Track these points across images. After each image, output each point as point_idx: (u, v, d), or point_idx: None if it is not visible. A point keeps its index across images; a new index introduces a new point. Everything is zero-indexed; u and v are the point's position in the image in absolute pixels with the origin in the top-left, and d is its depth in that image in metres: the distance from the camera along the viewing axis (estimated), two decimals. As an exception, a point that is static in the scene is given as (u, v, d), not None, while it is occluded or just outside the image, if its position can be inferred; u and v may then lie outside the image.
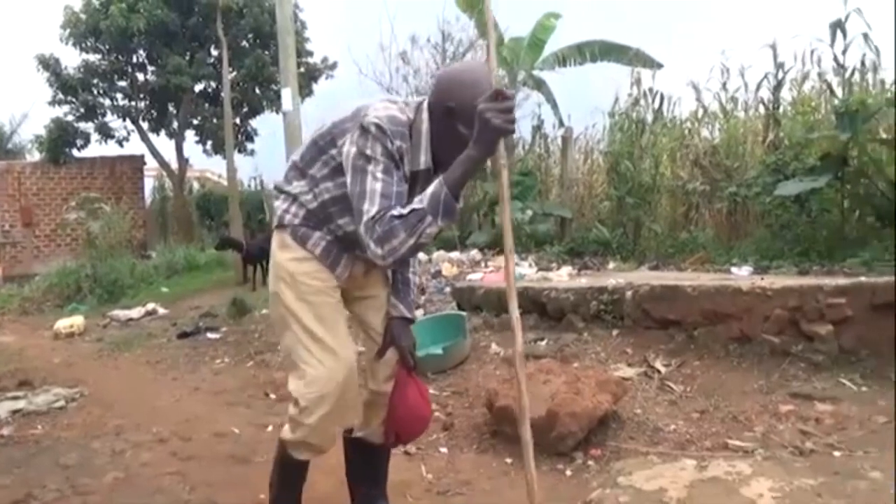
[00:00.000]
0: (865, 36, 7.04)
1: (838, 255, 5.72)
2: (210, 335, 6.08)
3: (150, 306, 7.94)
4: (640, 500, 2.31)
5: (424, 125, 1.89)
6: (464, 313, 4.59)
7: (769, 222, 6.89)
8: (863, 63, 7.09)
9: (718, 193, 7.47)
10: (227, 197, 10.49)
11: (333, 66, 13.79)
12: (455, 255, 7.04)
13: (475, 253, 7.19)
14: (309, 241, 2.02)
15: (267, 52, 12.49)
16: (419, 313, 5.28)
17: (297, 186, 2.04)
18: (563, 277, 5.43)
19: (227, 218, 10.64)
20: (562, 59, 10.09)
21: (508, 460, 2.93)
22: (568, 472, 2.75)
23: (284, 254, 2.04)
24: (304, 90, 12.55)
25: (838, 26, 6.59)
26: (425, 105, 1.91)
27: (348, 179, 1.84)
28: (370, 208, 1.74)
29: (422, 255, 7.32)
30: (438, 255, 7.05)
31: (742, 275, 5.12)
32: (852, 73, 7.04)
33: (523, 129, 10.58)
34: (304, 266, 2.01)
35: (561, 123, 10.08)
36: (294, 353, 2.01)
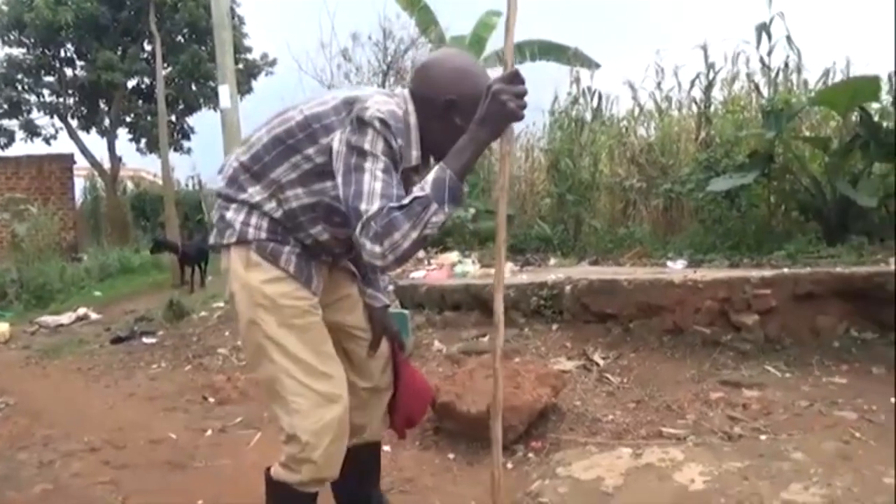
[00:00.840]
0: (788, 38, 7.38)
1: (766, 247, 5.98)
2: (146, 339, 5.88)
3: (82, 311, 7.62)
4: (577, 489, 2.37)
5: (412, 118, 1.72)
6: (406, 311, 4.59)
7: (702, 217, 7.14)
8: (786, 64, 7.42)
9: (654, 190, 7.70)
10: (163, 197, 10.18)
11: (273, 63, 13.58)
12: (398, 253, 7.02)
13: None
14: (281, 258, 1.77)
15: (203, 48, 12.18)
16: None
17: (255, 193, 1.77)
18: (505, 274, 5.49)
19: (164, 218, 10.32)
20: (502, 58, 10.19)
21: (451, 456, 2.95)
22: (509, 465, 2.79)
23: (255, 274, 1.76)
24: (243, 87, 12.30)
25: (763, 29, 6.89)
26: (408, 95, 1.75)
27: (339, 180, 1.61)
28: (369, 208, 1.52)
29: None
30: (382, 253, 7.01)
31: (677, 268, 5.27)
32: (777, 74, 7.36)
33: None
34: (282, 287, 1.76)
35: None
36: (279, 385, 1.76)
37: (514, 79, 1.53)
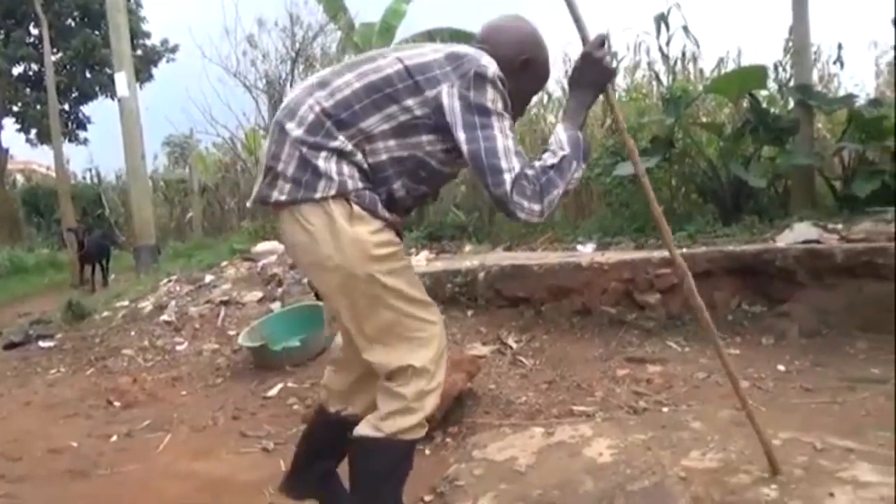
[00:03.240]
0: (685, 28, 7.73)
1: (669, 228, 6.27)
2: (42, 343, 5.54)
3: (-32, 316, 7.11)
4: (492, 470, 2.42)
5: None
6: (321, 303, 4.53)
7: (609, 201, 7.41)
8: (683, 53, 7.77)
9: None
10: (57, 191, 9.58)
11: (175, 50, 13.02)
12: (313, 244, 6.90)
13: (334, 241, 7.09)
14: (378, 207, 1.69)
15: (97, 33, 11.53)
16: (276, 306, 5.16)
17: (344, 142, 1.67)
18: (420, 262, 5.51)
19: (59, 215, 9.72)
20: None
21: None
22: (427, 452, 2.82)
23: (361, 227, 1.66)
24: (143, 74, 11.76)
25: (662, 19, 7.18)
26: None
27: (462, 135, 1.61)
28: (511, 165, 1.58)
29: (279, 246, 7.13)
30: (296, 245, 6.88)
31: (587, 251, 5.46)
32: (675, 63, 7.70)
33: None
34: (384, 236, 1.70)
35: (416, 109, 10.17)
36: (400, 327, 1.74)
37: (604, 43, 1.73)
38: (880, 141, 6.68)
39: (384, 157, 1.69)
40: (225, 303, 5.46)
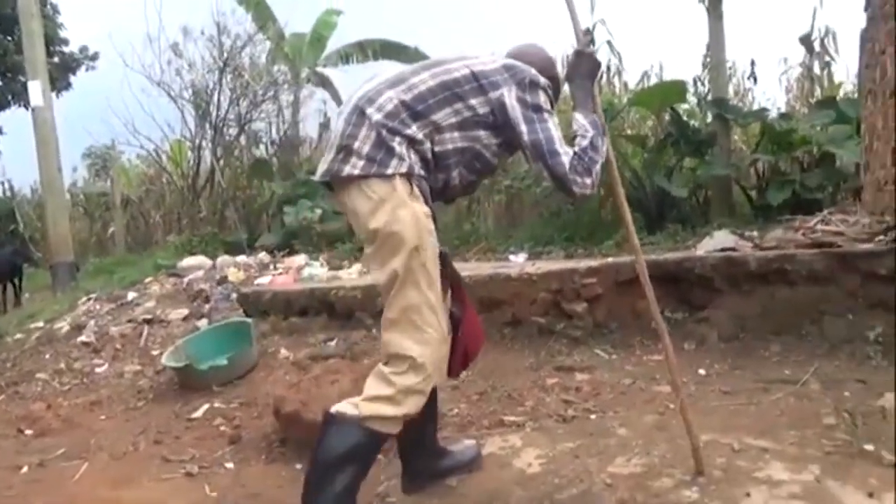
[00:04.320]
0: (610, 43, 7.99)
1: (597, 237, 6.44)
2: (-54, 370, 5.18)
3: None
4: (423, 486, 2.40)
5: None
6: (249, 320, 4.43)
7: (540, 211, 7.55)
8: (608, 67, 8.02)
9: (497, 186, 8.01)
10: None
11: (95, 57, 12.49)
12: (242, 258, 6.74)
13: (263, 255, 6.95)
14: (428, 197, 1.93)
15: (10, 39, 10.94)
16: (203, 323, 5.00)
17: (416, 131, 1.90)
18: (353, 275, 5.46)
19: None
20: (345, 57, 10.13)
21: (298, 466, 2.87)
22: (358, 469, 2.77)
23: (419, 206, 1.89)
24: (60, 83, 11.26)
25: (587, 34, 7.39)
26: None
27: (524, 128, 1.93)
28: (566, 150, 1.93)
29: (206, 261, 6.93)
30: (223, 259, 6.71)
31: (519, 261, 5.53)
32: (600, 77, 7.93)
33: (310, 127, 10.46)
34: (431, 224, 1.92)
35: (348, 121, 10.10)
36: (417, 315, 1.88)
37: (591, 39, 2.16)
38: (790, 152, 7.07)
39: (449, 146, 1.96)
40: (148, 321, 5.26)
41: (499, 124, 1.98)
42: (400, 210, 1.85)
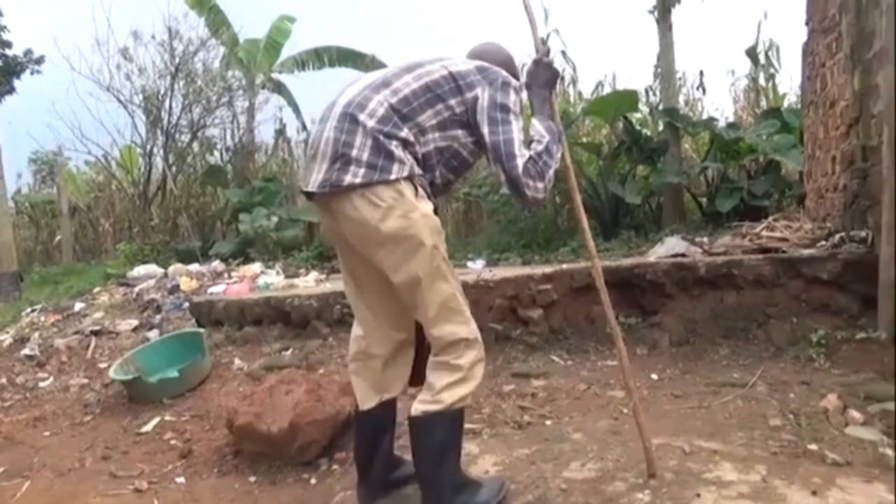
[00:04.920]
0: (564, 53, 8.11)
1: (554, 244, 6.52)
2: None
3: None
4: (379, 496, 2.37)
5: None
6: (202, 330, 4.33)
7: (498, 219, 7.61)
8: (563, 77, 8.14)
9: (455, 194, 8.05)
10: None
11: (40, 61, 12.04)
12: (195, 267, 6.59)
13: (217, 264, 6.81)
14: (429, 193, 1.98)
15: (-52, 41, 10.52)
16: (153, 334, 4.87)
17: (408, 133, 1.94)
18: (309, 283, 5.40)
19: None
20: (301, 63, 10.04)
21: (252, 479, 2.82)
22: (313, 481, 2.73)
23: (425, 205, 1.94)
24: (3, 87, 10.83)
25: (542, 44, 7.49)
26: None
27: (487, 129, 1.97)
28: (522, 153, 1.96)
29: (157, 270, 6.76)
30: (175, 268, 6.55)
31: (477, 267, 5.55)
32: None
33: (265, 134, 10.33)
34: (438, 220, 1.99)
35: (304, 127, 10.02)
36: (454, 302, 2.01)
37: (548, 50, 2.20)
38: (738, 160, 7.30)
39: (432, 146, 2.00)
40: (96, 333, 5.08)
41: (472, 123, 2.02)
42: (412, 213, 1.90)
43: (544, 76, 2.15)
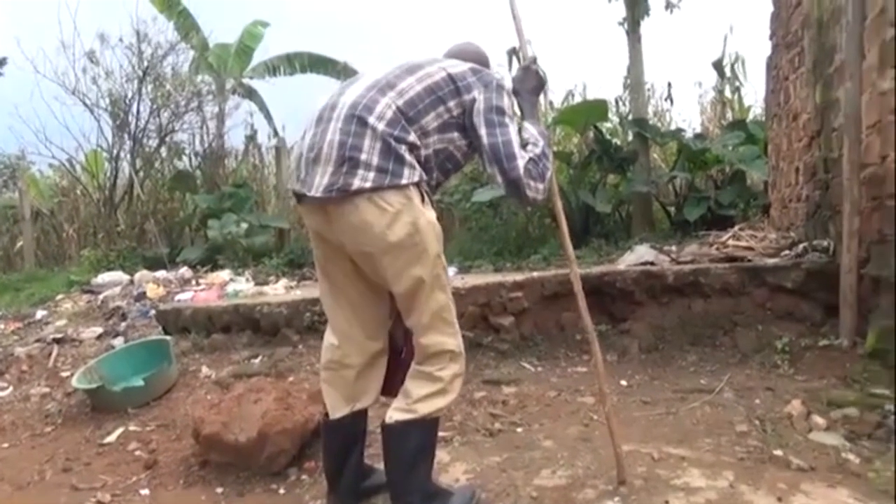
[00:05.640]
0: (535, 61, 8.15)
1: (525, 251, 6.55)
2: None
3: None
4: None
5: None
6: (168, 338, 4.25)
7: (469, 226, 7.62)
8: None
9: (425, 201, 8.04)
10: None
11: (2, 63, 11.78)
12: (162, 274, 6.48)
13: (185, 271, 6.70)
14: (433, 201, 2.00)
15: None
16: (119, 342, 4.76)
17: (415, 137, 1.93)
18: (279, 290, 5.34)
19: None
20: (272, 69, 9.97)
21: (219, 490, 2.77)
22: (282, 491, 2.69)
23: (431, 212, 1.95)
24: (-37, 89, 10.54)
25: (514, 53, 7.56)
26: None
27: (484, 131, 1.96)
28: (522, 154, 1.97)
29: (123, 276, 6.63)
30: (142, 275, 6.43)
31: (448, 275, 5.53)
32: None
33: (235, 139, 10.22)
34: (440, 228, 1.99)
35: (276, 133, 9.93)
36: (447, 312, 2.04)
37: (535, 58, 2.22)
38: (705, 170, 7.43)
39: (431, 149, 1.99)
40: (59, 341, 4.95)
41: (467, 125, 2.02)
42: (419, 220, 1.89)
43: (532, 82, 2.19)
